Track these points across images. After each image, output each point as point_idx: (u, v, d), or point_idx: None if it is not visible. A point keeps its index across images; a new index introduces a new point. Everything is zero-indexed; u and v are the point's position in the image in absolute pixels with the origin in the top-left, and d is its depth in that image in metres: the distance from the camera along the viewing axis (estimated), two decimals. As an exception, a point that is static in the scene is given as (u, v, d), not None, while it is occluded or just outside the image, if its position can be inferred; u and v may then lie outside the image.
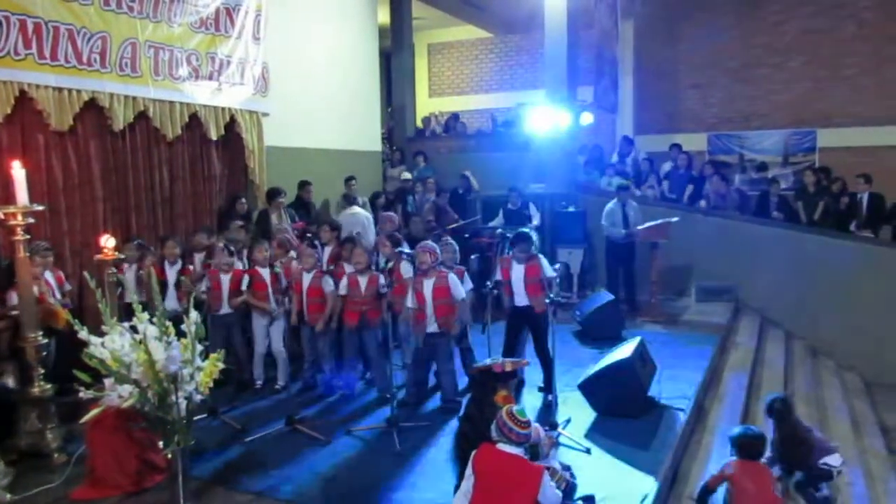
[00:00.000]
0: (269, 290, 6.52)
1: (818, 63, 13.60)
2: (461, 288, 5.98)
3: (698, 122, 14.53)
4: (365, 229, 8.84)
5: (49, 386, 5.13)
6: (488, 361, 4.74)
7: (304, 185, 9.39)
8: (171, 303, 6.34)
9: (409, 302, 6.03)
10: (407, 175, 11.32)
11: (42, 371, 5.12)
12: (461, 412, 5.25)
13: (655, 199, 11.35)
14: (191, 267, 6.73)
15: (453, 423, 5.55)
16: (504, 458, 3.61)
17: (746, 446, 4.74)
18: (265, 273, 6.57)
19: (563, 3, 11.15)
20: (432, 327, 5.98)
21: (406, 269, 6.62)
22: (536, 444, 4.23)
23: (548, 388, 6.14)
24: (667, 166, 11.92)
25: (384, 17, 13.08)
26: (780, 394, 6.08)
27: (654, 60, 14.69)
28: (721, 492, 4.77)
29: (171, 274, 6.69)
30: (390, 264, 6.62)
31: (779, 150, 14.16)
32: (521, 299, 6.19)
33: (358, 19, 11.38)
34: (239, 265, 6.74)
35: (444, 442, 5.28)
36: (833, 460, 5.31)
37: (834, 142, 13.45)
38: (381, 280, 6.06)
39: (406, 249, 6.81)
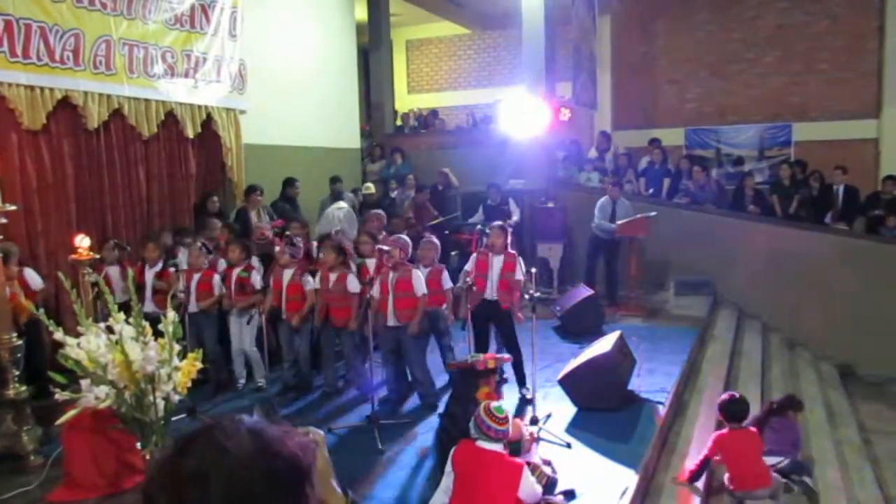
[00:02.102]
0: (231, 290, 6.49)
1: (792, 58, 13.74)
2: (423, 285, 5.97)
3: (675, 117, 14.63)
4: (351, 224, 8.83)
5: (24, 388, 5.06)
6: (469, 358, 4.74)
7: (290, 182, 9.34)
8: (148, 305, 6.28)
9: (374, 291, 6.06)
10: (370, 189, 10.78)
11: (17, 373, 5.06)
12: (443, 409, 5.25)
13: (634, 193, 11.42)
14: (171, 270, 6.66)
15: (434, 420, 5.56)
16: (483, 454, 3.62)
17: (732, 409, 5.06)
18: (239, 274, 6.52)
19: (541, 0, 11.17)
20: (392, 321, 5.98)
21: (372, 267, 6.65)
22: (518, 441, 4.25)
23: (521, 382, 6.16)
24: (643, 162, 12.00)
25: (362, 13, 13.04)
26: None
27: (632, 56, 14.77)
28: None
29: (149, 276, 6.63)
30: (367, 261, 6.60)
31: (754, 144, 14.28)
32: (491, 293, 6.18)
33: (335, 16, 11.33)
34: (222, 264, 6.70)
35: (425, 439, 5.28)
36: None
37: (809, 135, 13.60)
38: (351, 280, 6.08)
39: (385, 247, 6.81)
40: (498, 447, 3.67)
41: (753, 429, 5.18)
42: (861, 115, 13.26)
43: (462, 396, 4.58)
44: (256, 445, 1.04)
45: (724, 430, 5.04)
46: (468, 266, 6.32)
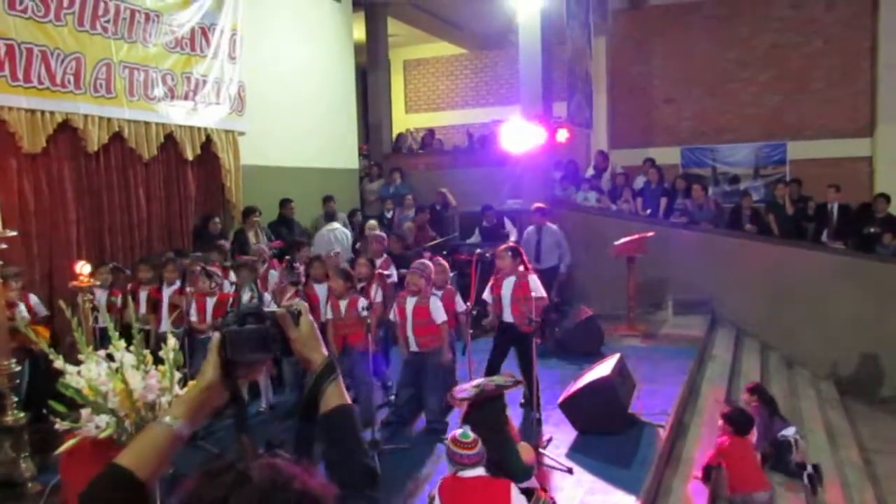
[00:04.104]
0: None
1: (787, 77, 13.86)
2: (442, 312, 5.93)
3: (671, 136, 14.71)
4: (343, 247, 8.83)
5: (23, 414, 5.03)
6: (490, 382, 4.68)
7: (285, 202, 9.39)
8: (165, 324, 6.29)
9: (392, 316, 6.03)
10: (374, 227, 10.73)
11: (16, 399, 5.03)
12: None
13: (631, 213, 11.46)
14: (188, 289, 6.66)
15: (436, 446, 5.53)
16: (468, 483, 3.58)
17: (739, 421, 5.43)
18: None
19: (537, 20, 11.26)
20: (413, 346, 5.96)
21: (377, 294, 6.60)
22: (531, 466, 4.17)
23: (532, 405, 6.10)
24: (639, 182, 12.05)
25: (360, 33, 13.12)
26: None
27: (628, 76, 14.88)
28: None
29: (166, 295, 6.63)
30: (362, 284, 6.58)
31: (750, 162, 14.37)
32: (506, 315, 6.16)
33: (334, 37, 11.41)
34: (228, 287, 6.70)
35: (426, 465, 5.25)
36: (788, 432, 6.26)
37: (803, 154, 13.69)
38: (362, 302, 6.04)
39: (393, 275, 6.80)
40: (479, 471, 3.63)
41: (750, 438, 5.54)
42: (855, 133, 13.38)
43: (491, 422, 4.29)
44: (277, 478, 1.09)
45: (725, 438, 5.38)
46: (486, 293, 6.30)
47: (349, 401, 1.53)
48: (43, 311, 6.12)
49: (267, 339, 1.49)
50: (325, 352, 1.55)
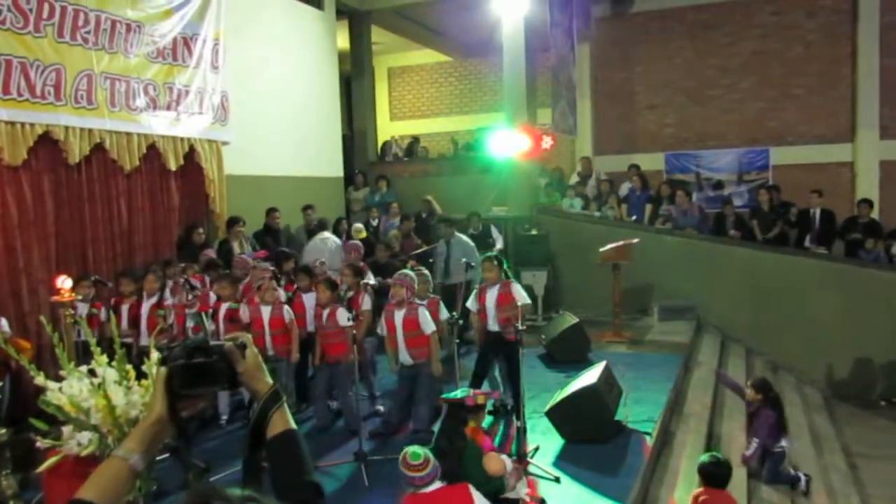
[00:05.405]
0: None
1: (768, 83, 13.95)
2: (431, 322, 5.91)
3: (655, 142, 14.76)
4: (332, 255, 8.80)
5: (3, 431, 4.96)
6: (459, 393, 4.72)
7: (270, 211, 9.35)
8: (143, 339, 6.23)
9: (380, 330, 6.00)
10: (362, 232, 10.28)
11: (-3, 415, 4.97)
12: (432, 443, 5.20)
13: (616, 219, 11.51)
14: (167, 301, 6.59)
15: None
16: (429, 498, 3.60)
17: (714, 475, 4.79)
18: (230, 307, 6.46)
19: (521, 28, 11.31)
20: (407, 359, 5.93)
21: (366, 302, 6.56)
22: (501, 476, 4.21)
23: (517, 414, 6.11)
24: (624, 189, 12.11)
25: (343, 42, 13.12)
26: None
27: (611, 82, 14.93)
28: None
29: (145, 309, 6.56)
30: (350, 294, 6.56)
31: (733, 168, 14.44)
32: (492, 324, 6.15)
33: (317, 45, 11.39)
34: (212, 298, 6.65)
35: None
36: (784, 443, 6.34)
37: (786, 159, 13.79)
38: (342, 312, 6.03)
39: (370, 280, 6.77)
40: (437, 485, 3.65)
41: (727, 492, 4.88)
42: (836, 139, 13.48)
43: (449, 431, 4.56)
44: None
45: (704, 492, 4.76)
46: (471, 301, 6.26)
47: (294, 426, 1.60)
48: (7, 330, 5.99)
49: (215, 374, 1.53)
50: (270, 381, 1.61)
